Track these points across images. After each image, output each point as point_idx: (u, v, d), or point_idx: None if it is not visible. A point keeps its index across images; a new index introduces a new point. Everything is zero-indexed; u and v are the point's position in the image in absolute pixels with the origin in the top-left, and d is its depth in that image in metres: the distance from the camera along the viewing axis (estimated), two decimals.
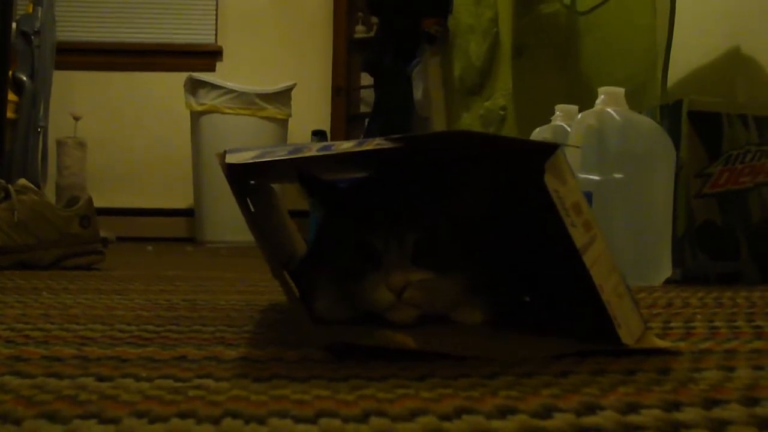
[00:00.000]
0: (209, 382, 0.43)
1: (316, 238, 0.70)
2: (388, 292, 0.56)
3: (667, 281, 1.23)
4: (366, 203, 0.61)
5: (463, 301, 0.60)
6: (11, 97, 2.86)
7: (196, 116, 3.57)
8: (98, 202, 1.61)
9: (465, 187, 0.60)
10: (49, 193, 3.26)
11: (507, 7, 1.99)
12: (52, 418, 0.35)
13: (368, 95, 3.88)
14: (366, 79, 3.86)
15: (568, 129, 1.39)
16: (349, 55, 4.24)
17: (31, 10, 3.11)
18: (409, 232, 0.57)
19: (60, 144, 3.59)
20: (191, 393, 0.40)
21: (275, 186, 0.86)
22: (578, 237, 0.50)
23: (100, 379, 0.44)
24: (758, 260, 1.31)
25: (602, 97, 1.26)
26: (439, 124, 2.45)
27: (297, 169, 0.62)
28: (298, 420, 0.35)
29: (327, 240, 0.64)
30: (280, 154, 0.56)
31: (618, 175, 1.22)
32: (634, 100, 1.30)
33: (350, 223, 0.60)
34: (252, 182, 0.73)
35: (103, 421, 0.35)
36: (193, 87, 3.54)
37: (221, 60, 4.21)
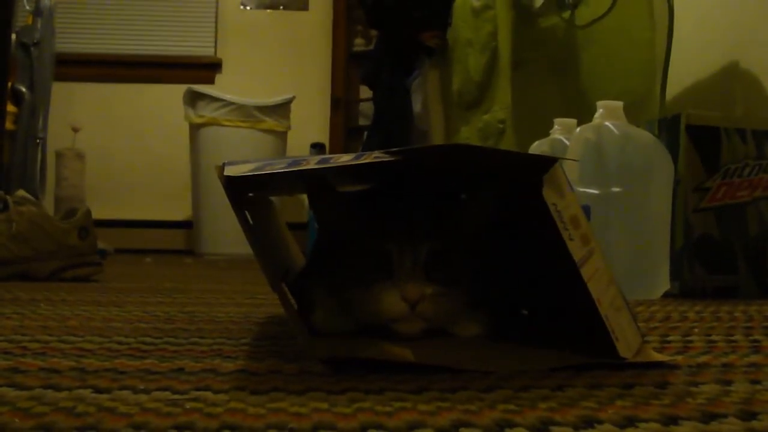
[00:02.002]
0: (207, 394, 0.43)
1: (314, 250, 0.70)
2: (402, 303, 0.56)
3: (665, 295, 1.23)
4: (376, 213, 0.61)
5: (461, 314, 0.60)
6: (10, 108, 2.86)
7: (195, 128, 3.58)
8: (96, 214, 1.62)
9: (465, 200, 0.60)
10: (48, 204, 3.26)
11: (506, 21, 2.00)
12: (49, 430, 0.35)
13: (367, 108, 3.89)
14: (365, 92, 3.87)
15: (567, 142, 1.40)
16: (348, 68, 4.25)
17: (30, 22, 3.12)
18: (423, 244, 0.57)
19: (59, 155, 3.60)
20: (189, 405, 0.40)
21: (273, 199, 0.86)
22: (576, 250, 0.50)
23: (98, 391, 0.44)
24: (756, 274, 1.31)
25: (601, 110, 1.27)
26: (437, 137, 2.45)
27: (306, 177, 0.62)
28: None
29: (326, 252, 0.64)
30: (279, 167, 0.56)
31: (616, 189, 1.23)
32: (632, 114, 1.31)
33: (359, 231, 0.60)
34: (250, 195, 0.73)
35: None
36: (192, 99, 3.54)
37: (220, 72, 4.22)
